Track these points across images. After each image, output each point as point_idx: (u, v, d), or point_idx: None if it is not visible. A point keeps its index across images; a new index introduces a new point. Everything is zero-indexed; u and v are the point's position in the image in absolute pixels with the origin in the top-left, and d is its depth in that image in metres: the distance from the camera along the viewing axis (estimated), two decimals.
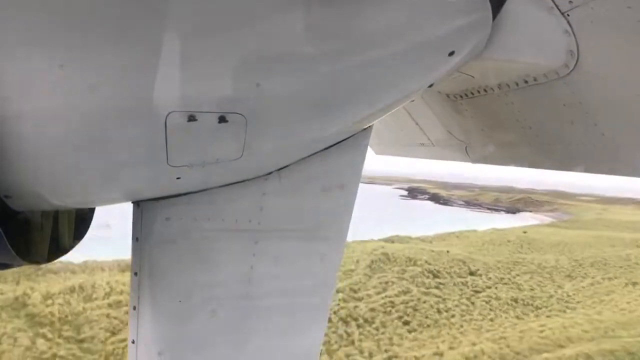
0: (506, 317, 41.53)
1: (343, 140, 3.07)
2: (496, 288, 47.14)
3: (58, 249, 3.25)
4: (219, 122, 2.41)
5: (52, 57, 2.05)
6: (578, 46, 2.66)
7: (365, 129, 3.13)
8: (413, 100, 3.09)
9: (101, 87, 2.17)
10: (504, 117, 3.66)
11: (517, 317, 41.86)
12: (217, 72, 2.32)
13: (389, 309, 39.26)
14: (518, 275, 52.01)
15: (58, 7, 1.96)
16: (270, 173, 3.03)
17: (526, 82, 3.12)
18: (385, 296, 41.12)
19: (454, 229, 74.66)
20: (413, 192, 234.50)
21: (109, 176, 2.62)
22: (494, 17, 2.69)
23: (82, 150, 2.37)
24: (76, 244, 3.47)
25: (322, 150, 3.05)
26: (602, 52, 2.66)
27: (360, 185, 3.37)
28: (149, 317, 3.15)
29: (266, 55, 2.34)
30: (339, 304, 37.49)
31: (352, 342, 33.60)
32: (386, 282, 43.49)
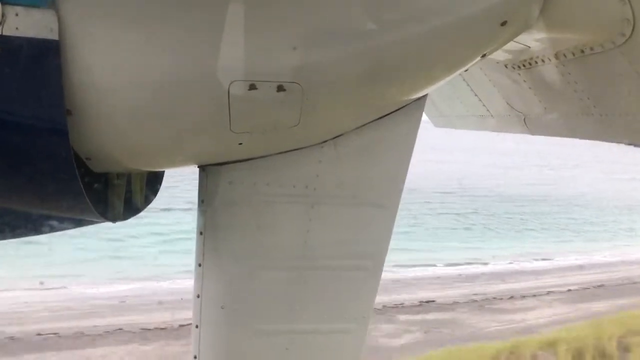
0: None
1: (397, 110, 3.15)
2: None
3: (131, 208, 3.56)
4: (277, 90, 2.57)
5: (128, 33, 2.28)
6: (634, 14, 2.61)
7: (419, 99, 3.19)
8: (467, 70, 3.12)
9: (171, 61, 2.40)
10: (562, 87, 3.61)
11: None
12: (275, 44, 2.47)
13: None
14: None
15: None
16: (326, 141, 3.16)
17: (582, 51, 3.08)
18: None
19: None
20: None
21: (178, 141, 2.85)
22: None
23: (153, 118, 2.61)
24: (147, 205, 3.77)
25: (376, 120, 3.13)
26: None
27: None
28: (212, 273, 3.40)
29: (322, 27, 2.48)
30: None
31: None
32: None
